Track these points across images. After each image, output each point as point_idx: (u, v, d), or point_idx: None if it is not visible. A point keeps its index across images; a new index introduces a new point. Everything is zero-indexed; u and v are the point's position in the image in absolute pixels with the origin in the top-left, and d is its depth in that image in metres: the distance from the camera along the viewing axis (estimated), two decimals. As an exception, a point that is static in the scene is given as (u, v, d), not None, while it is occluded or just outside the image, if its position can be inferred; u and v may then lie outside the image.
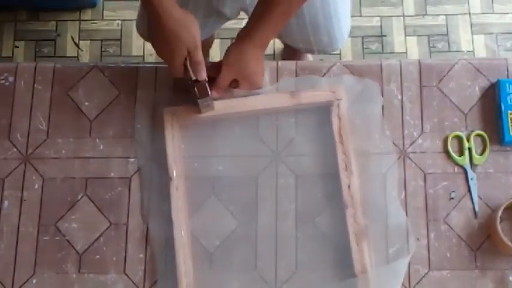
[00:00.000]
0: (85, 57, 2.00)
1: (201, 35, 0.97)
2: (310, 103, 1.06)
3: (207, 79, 0.99)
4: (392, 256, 1.00)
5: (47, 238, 1.03)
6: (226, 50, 1.02)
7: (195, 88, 0.98)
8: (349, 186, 1.01)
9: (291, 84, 1.08)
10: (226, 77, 1.02)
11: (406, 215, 1.03)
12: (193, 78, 0.97)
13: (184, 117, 1.05)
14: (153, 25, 0.97)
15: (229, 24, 1.36)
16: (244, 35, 1.02)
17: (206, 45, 1.60)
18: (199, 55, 0.96)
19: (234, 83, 1.04)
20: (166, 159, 1.02)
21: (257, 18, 1.01)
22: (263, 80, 1.07)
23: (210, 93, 0.99)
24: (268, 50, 1.91)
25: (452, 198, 1.04)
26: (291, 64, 1.11)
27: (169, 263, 1.00)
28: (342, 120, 1.04)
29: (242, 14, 1.30)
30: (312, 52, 1.36)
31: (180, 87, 1.07)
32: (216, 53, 1.97)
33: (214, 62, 1.06)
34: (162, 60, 1.00)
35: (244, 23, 1.04)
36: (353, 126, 1.05)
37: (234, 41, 1.03)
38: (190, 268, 0.99)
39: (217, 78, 1.02)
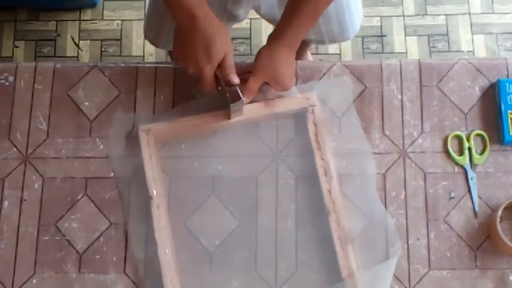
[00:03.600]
0: (85, 57, 2.00)
1: None
2: (284, 111, 1.06)
3: (239, 82, 0.97)
4: (380, 258, 1.00)
5: (47, 238, 1.03)
6: (257, 53, 1.02)
7: (227, 93, 0.97)
8: (329, 192, 1.01)
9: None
10: (258, 80, 1.01)
11: (406, 215, 1.03)
12: (227, 83, 0.96)
13: (160, 134, 1.04)
14: (185, 32, 0.94)
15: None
16: (274, 37, 1.01)
17: None
18: (232, 59, 0.96)
19: (265, 86, 1.04)
20: (145, 179, 1.01)
21: (286, 19, 1.00)
22: (293, 82, 1.06)
23: (242, 96, 0.97)
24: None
25: (452, 198, 1.04)
26: (291, 64, 1.11)
27: (156, 281, 0.99)
28: (318, 125, 1.04)
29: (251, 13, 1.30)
30: (323, 43, 1.36)
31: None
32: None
33: (242, 65, 1.05)
34: (165, 61, 0.99)
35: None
36: (330, 129, 1.06)
37: (264, 44, 1.02)
38: (178, 285, 0.98)
39: (248, 82, 1.01)
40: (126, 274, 1.01)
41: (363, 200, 1.03)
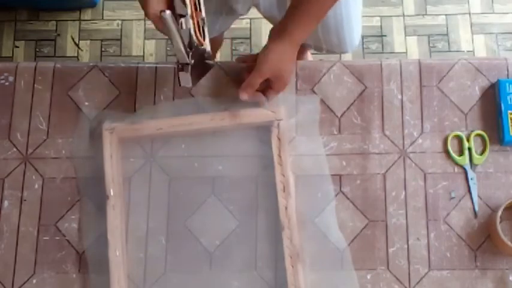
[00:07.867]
0: (85, 57, 2.00)
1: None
2: (251, 123, 1.04)
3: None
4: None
5: (47, 238, 1.03)
6: (265, 48, 0.99)
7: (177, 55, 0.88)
8: (286, 208, 1.00)
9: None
10: (262, 75, 0.99)
11: (406, 215, 1.03)
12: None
13: (124, 134, 1.03)
14: None
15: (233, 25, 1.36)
16: (282, 32, 0.98)
17: (215, 45, 1.60)
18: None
19: (262, 85, 1.02)
20: (104, 178, 1.01)
21: (293, 17, 0.98)
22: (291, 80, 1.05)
23: (190, 61, 0.88)
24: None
25: (452, 198, 1.04)
26: (291, 64, 1.11)
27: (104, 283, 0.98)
28: (282, 141, 1.03)
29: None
30: (321, 50, 1.36)
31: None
32: (226, 54, 1.97)
33: (251, 55, 1.05)
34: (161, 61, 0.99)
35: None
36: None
37: (270, 38, 1.00)
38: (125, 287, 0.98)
39: (251, 76, 0.99)
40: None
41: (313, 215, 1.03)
